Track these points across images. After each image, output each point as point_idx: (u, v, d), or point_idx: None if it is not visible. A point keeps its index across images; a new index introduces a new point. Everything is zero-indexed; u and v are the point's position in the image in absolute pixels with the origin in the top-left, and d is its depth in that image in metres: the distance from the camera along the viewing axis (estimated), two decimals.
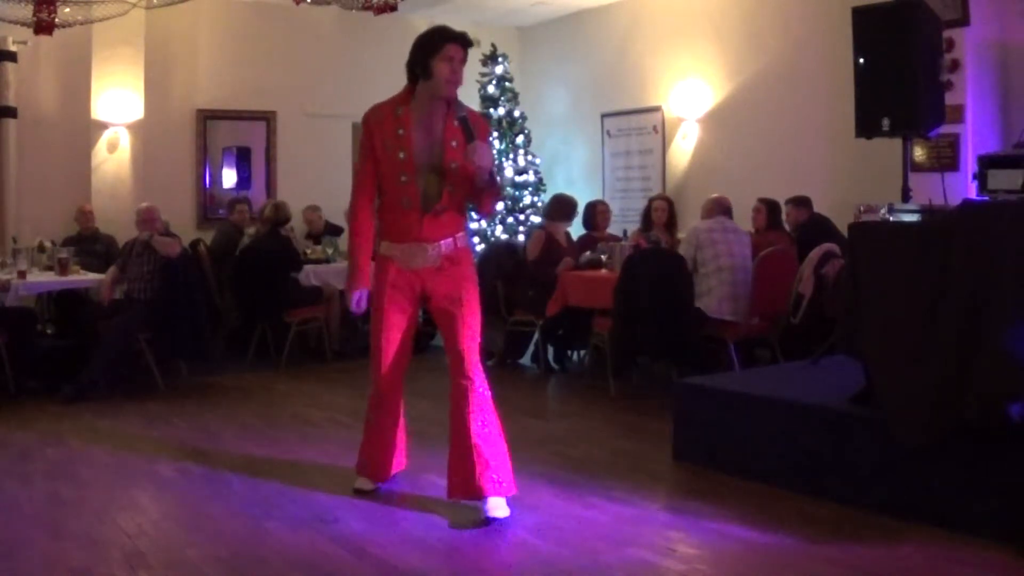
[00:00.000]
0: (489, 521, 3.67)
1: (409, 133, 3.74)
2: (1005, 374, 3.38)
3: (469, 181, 3.80)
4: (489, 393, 3.79)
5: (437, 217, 3.77)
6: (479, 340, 3.85)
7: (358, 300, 3.92)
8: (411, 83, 3.80)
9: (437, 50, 3.68)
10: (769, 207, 6.97)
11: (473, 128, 3.71)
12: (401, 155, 3.74)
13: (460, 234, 3.88)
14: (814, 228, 6.78)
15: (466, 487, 3.75)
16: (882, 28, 4.34)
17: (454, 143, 3.76)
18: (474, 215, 9.37)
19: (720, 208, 6.45)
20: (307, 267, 7.85)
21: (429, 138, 3.76)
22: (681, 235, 7.70)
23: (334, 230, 8.86)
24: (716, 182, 8.32)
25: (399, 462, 4.20)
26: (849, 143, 5.83)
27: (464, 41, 3.75)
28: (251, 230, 8.17)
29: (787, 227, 7.07)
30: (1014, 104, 6.83)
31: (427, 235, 3.78)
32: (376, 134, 3.78)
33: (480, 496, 3.72)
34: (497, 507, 3.71)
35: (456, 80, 3.73)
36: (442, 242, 3.80)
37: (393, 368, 3.94)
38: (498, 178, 4.04)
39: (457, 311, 3.80)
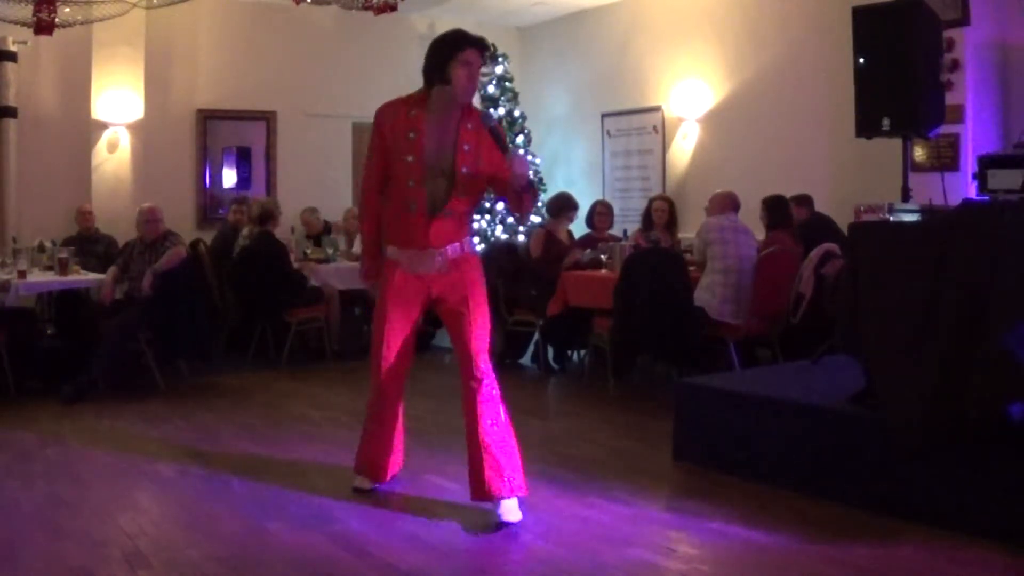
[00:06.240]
0: (503, 525, 3.65)
1: (420, 137, 3.70)
2: (1005, 374, 3.38)
3: (479, 186, 3.83)
4: (499, 392, 3.78)
5: (443, 222, 3.74)
6: (489, 340, 3.83)
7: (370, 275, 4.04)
8: (427, 87, 3.76)
9: (455, 55, 3.64)
10: (769, 206, 6.76)
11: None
12: (410, 159, 3.70)
13: (466, 239, 3.87)
14: (816, 227, 6.75)
15: (480, 488, 3.74)
16: (882, 28, 4.34)
17: (466, 147, 3.72)
18: (475, 215, 9.43)
19: (732, 204, 6.38)
20: (307, 266, 7.84)
21: (441, 143, 3.72)
22: (682, 235, 7.71)
23: (332, 230, 8.86)
24: (716, 182, 8.30)
25: (396, 463, 4.19)
26: (849, 143, 5.84)
27: (482, 46, 3.73)
28: (245, 231, 8.15)
29: None
30: (1014, 104, 6.83)
31: (433, 240, 3.75)
32: (387, 134, 3.75)
33: (491, 498, 3.71)
34: (510, 511, 3.69)
35: (473, 86, 3.72)
36: (448, 248, 3.78)
37: (394, 373, 3.93)
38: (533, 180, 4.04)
39: (465, 311, 3.79)
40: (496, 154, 3.71)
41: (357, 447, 4.16)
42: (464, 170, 3.72)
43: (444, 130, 3.73)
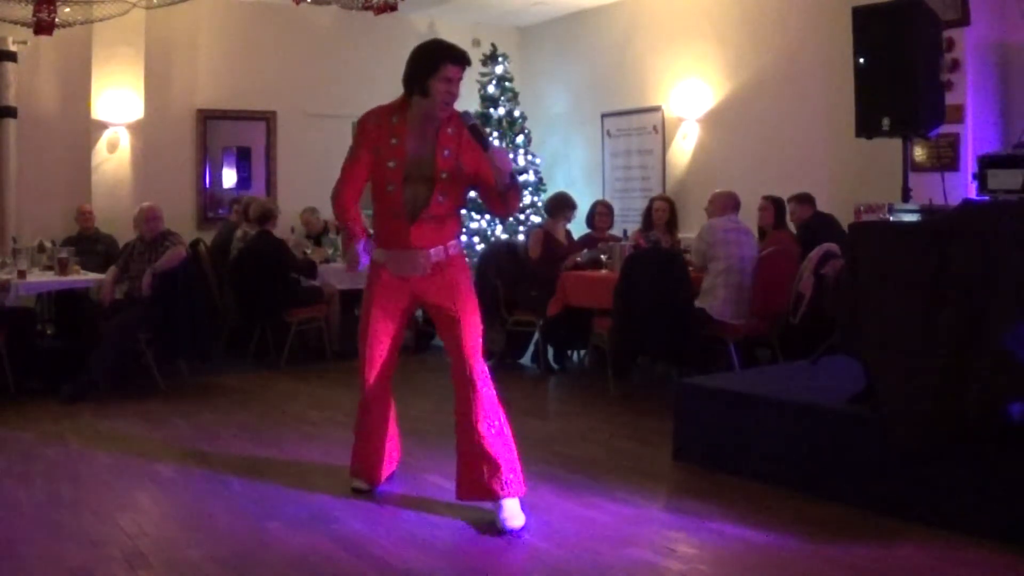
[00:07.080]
0: (505, 531, 3.60)
1: (402, 143, 3.74)
2: (1005, 374, 3.38)
3: (460, 189, 3.82)
4: (494, 393, 3.77)
5: (425, 225, 3.76)
6: (481, 341, 3.82)
7: (362, 249, 3.88)
8: (406, 95, 3.78)
9: (435, 70, 3.65)
10: (776, 205, 6.83)
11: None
12: (391, 164, 3.74)
13: (452, 242, 3.86)
14: (819, 226, 6.75)
15: (477, 489, 3.72)
16: (882, 28, 4.34)
17: (446, 152, 3.74)
18: (474, 215, 9.44)
19: (733, 204, 6.39)
20: (320, 253, 7.86)
21: (421, 148, 3.75)
22: (682, 235, 7.71)
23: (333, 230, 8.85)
24: (716, 182, 8.30)
25: (391, 464, 4.20)
26: (849, 143, 5.83)
27: (463, 60, 3.72)
28: (239, 232, 8.14)
29: (791, 225, 7.03)
30: (1014, 104, 6.83)
31: (415, 243, 3.77)
32: (372, 138, 3.78)
33: (491, 498, 3.69)
34: (513, 516, 3.65)
35: (452, 100, 3.72)
36: (431, 250, 3.79)
37: (380, 376, 3.95)
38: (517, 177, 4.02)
39: (455, 315, 3.78)
40: (477, 154, 3.72)
41: (352, 451, 4.16)
42: (444, 174, 3.74)
43: (424, 136, 3.76)
